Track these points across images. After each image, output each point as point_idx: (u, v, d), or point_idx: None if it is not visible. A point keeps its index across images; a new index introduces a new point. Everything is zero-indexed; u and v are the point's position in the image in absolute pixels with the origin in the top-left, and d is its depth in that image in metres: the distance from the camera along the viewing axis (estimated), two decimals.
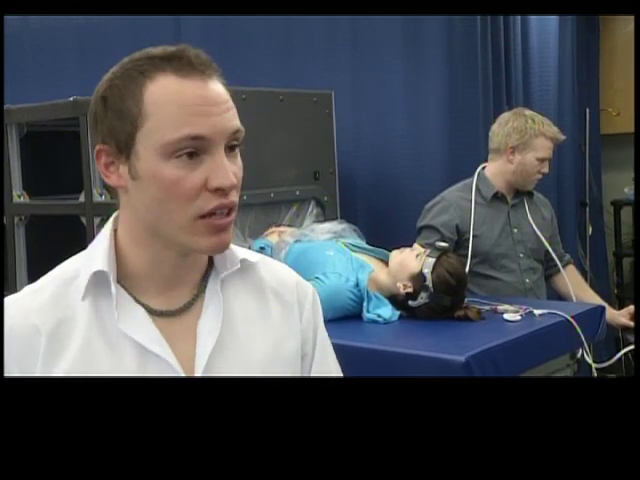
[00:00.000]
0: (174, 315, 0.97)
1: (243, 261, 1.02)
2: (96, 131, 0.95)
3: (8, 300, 0.97)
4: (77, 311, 0.94)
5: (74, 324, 0.94)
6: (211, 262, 1.02)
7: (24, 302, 0.96)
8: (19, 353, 0.92)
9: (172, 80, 0.90)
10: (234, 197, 0.93)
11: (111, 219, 1.00)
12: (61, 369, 0.92)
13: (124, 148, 0.92)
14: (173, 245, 0.95)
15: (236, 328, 1.00)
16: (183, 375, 0.94)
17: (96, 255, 0.96)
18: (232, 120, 0.92)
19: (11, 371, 0.92)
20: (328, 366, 1.10)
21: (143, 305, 0.96)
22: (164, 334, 0.95)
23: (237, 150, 0.94)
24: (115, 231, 0.99)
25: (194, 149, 0.89)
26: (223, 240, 0.94)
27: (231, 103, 0.94)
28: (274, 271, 1.08)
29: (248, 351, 0.99)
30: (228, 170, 0.91)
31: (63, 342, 0.93)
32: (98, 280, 0.95)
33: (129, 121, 0.90)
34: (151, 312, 0.96)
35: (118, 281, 0.96)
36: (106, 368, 0.92)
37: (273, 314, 1.04)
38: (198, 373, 0.95)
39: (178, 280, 0.98)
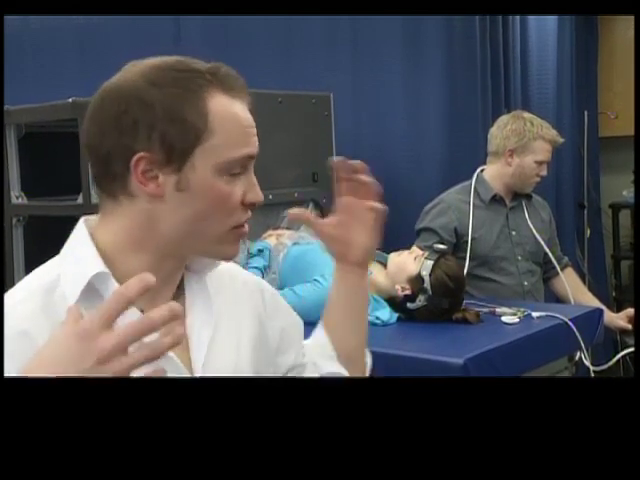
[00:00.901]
0: None
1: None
2: (135, 137, 0.90)
3: None
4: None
5: None
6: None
7: (14, 313, 0.92)
8: (20, 363, 0.89)
9: (227, 99, 0.94)
10: None
11: (82, 227, 0.97)
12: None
13: (177, 159, 0.91)
14: (194, 253, 0.98)
15: (221, 321, 1.02)
16: (184, 370, 0.95)
17: (81, 259, 0.94)
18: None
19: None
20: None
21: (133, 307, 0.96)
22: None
23: None
24: (94, 240, 0.95)
25: (242, 169, 0.95)
26: (238, 247, 1.00)
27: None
28: (244, 273, 1.14)
29: (236, 340, 1.03)
30: (258, 187, 0.98)
31: None
32: (89, 285, 0.92)
33: (193, 133, 0.91)
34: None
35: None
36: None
37: (248, 308, 1.08)
38: (199, 366, 0.97)
39: (163, 284, 0.97)
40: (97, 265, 0.92)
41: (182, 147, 0.90)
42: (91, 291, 0.92)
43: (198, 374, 0.96)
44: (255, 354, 1.05)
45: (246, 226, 0.99)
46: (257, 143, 0.97)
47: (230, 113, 0.94)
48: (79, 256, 0.94)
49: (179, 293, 1.00)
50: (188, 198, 0.92)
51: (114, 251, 0.95)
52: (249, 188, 0.96)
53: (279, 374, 1.11)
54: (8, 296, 0.95)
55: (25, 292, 0.95)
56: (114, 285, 0.92)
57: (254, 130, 0.97)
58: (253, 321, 1.08)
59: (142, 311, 0.95)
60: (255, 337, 1.07)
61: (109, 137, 0.92)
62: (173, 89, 0.91)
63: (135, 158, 0.90)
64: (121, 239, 0.95)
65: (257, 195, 0.97)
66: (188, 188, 0.92)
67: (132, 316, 0.94)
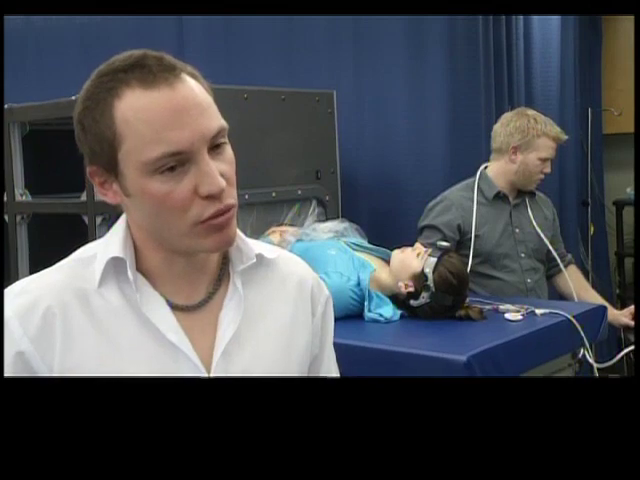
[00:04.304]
0: (192, 310, 0.99)
1: (259, 256, 1.03)
2: (83, 154, 0.95)
3: (23, 281, 0.98)
4: (96, 293, 0.95)
5: (93, 305, 0.95)
6: (227, 258, 1.03)
7: (38, 282, 0.97)
8: (35, 332, 0.93)
9: (139, 94, 0.88)
10: (229, 199, 0.92)
11: (124, 215, 1.01)
12: (80, 352, 0.93)
13: (110, 169, 0.92)
14: (180, 249, 0.96)
15: (254, 321, 1.01)
16: (199, 364, 0.96)
17: (112, 244, 0.97)
18: (209, 123, 0.90)
19: (25, 350, 0.92)
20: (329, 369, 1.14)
21: (163, 297, 0.98)
22: (182, 327, 0.97)
23: (223, 145, 0.93)
24: (129, 227, 0.99)
25: (175, 163, 0.88)
26: (226, 236, 0.94)
27: (206, 102, 0.91)
28: (292, 266, 1.10)
29: (263, 344, 1.02)
30: (215, 175, 0.89)
31: (80, 323, 0.94)
32: (118, 266, 0.96)
33: (107, 144, 0.90)
34: (171, 306, 0.97)
35: (137, 271, 0.97)
36: (128, 350, 0.94)
37: (289, 308, 1.06)
38: (214, 363, 0.97)
39: (192, 278, 0.99)
40: (117, 250, 0.96)
41: (106, 157, 0.91)
42: (123, 272, 0.96)
43: (212, 369, 0.97)
44: (283, 352, 1.04)
45: (222, 216, 0.91)
46: (188, 133, 0.87)
47: (140, 112, 0.87)
48: (112, 239, 0.98)
49: (218, 287, 1.01)
50: (136, 201, 0.93)
51: (138, 242, 0.98)
52: (201, 179, 0.88)
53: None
54: (50, 269, 1.00)
55: (60, 265, 0.99)
56: (129, 270, 0.95)
57: (180, 119, 0.87)
58: (300, 324, 1.06)
59: (171, 305, 0.96)
60: (289, 337, 1.05)
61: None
62: (89, 102, 0.92)
63: (87, 173, 0.95)
64: (136, 235, 0.98)
65: (210, 185, 0.88)
66: (129, 193, 0.92)
67: (162, 310, 0.96)
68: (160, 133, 0.87)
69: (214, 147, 0.91)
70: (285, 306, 1.06)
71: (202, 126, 0.89)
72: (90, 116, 0.91)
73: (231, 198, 0.92)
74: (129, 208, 0.96)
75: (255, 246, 1.04)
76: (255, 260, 1.02)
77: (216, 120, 0.91)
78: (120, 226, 0.99)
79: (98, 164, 0.93)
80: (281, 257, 1.09)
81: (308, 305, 1.08)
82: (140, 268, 0.97)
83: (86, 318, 0.94)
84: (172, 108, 0.88)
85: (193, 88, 0.90)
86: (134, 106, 0.88)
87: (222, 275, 1.01)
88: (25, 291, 0.95)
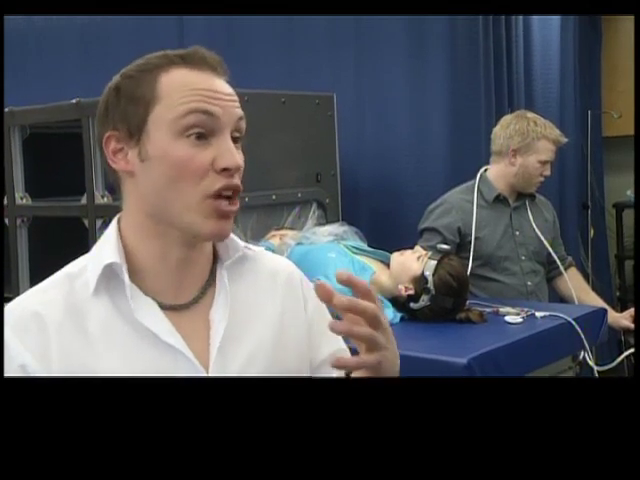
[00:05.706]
0: (183, 309, 1.00)
1: (245, 248, 1.06)
2: (106, 120, 0.98)
3: (15, 300, 0.99)
4: (87, 305, 0.96)
5: (85, 318, 0.96)
6: (215, 256, 1.05)
7: (32, 299, 0.98)
8: (34, 347, 0.93)
9: (185, 72, 0.96)
10: (238, 181, 0.97)
11: (115, 220, 1.02)
12: (76, 364, 0.94)
13: (135, 131, 0.96)
14: (178, 231, 0.97)
15: (246, 315, 1.03)
16: (197, 364, 0.96)
17: (104, 252, 0.98)
18: (238, 108, 0.98)
19: (28, 363, 0.93)
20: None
21: (153, 299, 0.98)
22: (175, 326, 0.98)
23: (239, 142, 0.99)
24: (120, 231, 1.01)
25: (203, 129, 0.94)
26: (225, 227, 0.97)
27: (237, 98, 1.00)
28: (278, 263, 1.13)
29: (258, 338, 1.02)
30: (234, 152, 0.96)
31: (75, 336, 0.95)
32: (109, 274, 0.97)
33: (143, 104, 0.95)
34: (161, 306, 0.98)
35: (128, 277, 0.97)
36: (124, 359, 0.94)
37: (278, 302, 1.07)
38: (211, 361, 0.97)
39: (185, 274, 1.00)
40: (112, 256, 0.97)
41: (136, 119, 0.95)
42: (114, 279, 0.97)
43: (210, 368, 0.98)
44: (278, 346, 1.04)
45: (229, 206, 0.96)
46: (222, 105, 0.95)
47: (183, 81, 0.95)
48: (103, 247, 1.00)
49: (209, 284, 1.02)
50: (152, 166, 0.95)
51: (130, 242, 0.99)
52: (220, 153, 0.95)
53: (312, 365, 1.09)
54: (40, 285, 1.01)
55: (50, 281, 1.00)
56: (125, 275, 0.96)
57: (218, 95, 0.96)
58: (282, 314, 1.07)
59: (161, 305, 0.97)
60: (282, 330, 1.06)
61: (97, 126, 1.01)
62: (133, 73, 0.98)
63: (105, 137, 0.98)
64: (133, 227, 1.00)
65: (229, 160, 0.95)
66: (148, 157, 0.95)
67: (155, 313, 0.97)
68: (197, 97, 0.95)
69: (233, 139, 0.97)
70: (275, 300, 1.07)
71: (233, 107, 0.98)
72: (132, 83, 0.97)
73: (239, 181, 0.97)
74: (137, 178, 0.97)
75: (241, 242, 1.07)
76: (242, 253, 1.05)
77: (240, 109, 1.00)
78: (111, 232, 1.00)
79: (123, 127, 0.96)
80: (265, 253, 1.13)
81: (299, 300, 1.09)
82: (131, 271, 0.98)
83: (80, 332, 0.95)
84: (212, 86, 0.96)
85: (229, 86, 1.00)
86: (179, 78, 0.96)
87: (212, 273, 1.03)
88: (19, 309, 0.96)
